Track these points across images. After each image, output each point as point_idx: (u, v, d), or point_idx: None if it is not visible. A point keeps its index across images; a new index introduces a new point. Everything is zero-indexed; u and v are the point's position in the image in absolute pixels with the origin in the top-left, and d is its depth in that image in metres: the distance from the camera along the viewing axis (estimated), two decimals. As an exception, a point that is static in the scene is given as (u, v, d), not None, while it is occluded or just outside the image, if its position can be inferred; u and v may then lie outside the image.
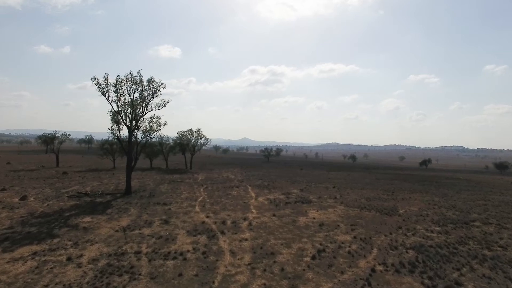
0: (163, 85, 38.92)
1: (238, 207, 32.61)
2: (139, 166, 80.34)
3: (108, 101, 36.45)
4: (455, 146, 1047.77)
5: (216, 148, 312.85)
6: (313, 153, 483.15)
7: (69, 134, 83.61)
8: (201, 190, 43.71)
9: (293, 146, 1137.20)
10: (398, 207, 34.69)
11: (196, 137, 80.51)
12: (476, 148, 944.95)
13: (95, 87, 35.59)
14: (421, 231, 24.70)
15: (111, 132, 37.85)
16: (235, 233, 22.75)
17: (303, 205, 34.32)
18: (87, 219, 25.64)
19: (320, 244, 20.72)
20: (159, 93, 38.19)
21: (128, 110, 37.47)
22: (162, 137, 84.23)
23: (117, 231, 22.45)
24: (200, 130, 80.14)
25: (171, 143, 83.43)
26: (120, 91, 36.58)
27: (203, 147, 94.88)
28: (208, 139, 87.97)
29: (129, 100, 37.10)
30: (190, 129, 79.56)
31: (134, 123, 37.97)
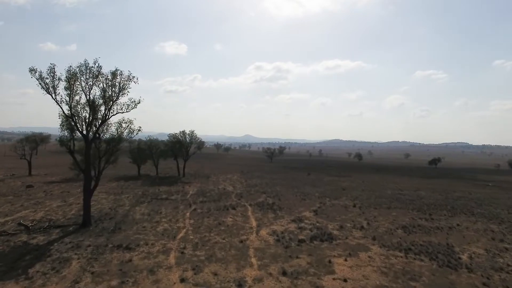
0: (135, 80, 29.17)
1: (232, 251, 22.96)
2: (125, 174, 70.87)
3: (56, 101, 26.76)
4: (459, 142, 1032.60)
5: (218, 146, 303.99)
6: (317, 150, 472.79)
7: (48, 135, 74.04)
8: (188, 214, 34.07)
9: (296, 142, 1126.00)
10: (455, 247, 24.92)
11: (190, 139, 70.68)
12: (481, 144, 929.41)
13: (36, 82, 25.88)
14: (531, 317, 14.96)
15: (60, 143, 28.19)
16: (221, 333, 13.13)
17: (323, 246, 24.61)
18: (-14, 293, 16.10)
19: None
20: (126, 91, 28.45)
21: (85, 114, 27.84)
22: (151, 140, 74.99)
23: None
24: (194, 132, 70.36)
25: (161, 147, 73.49)
26: (73, 87, 26.90)
27: (199, 150, 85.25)
28: (203, 142, 78.41)
29: (86, 99, 27.44)
30: (183, 131, 69.74)
31: (93, 129, 28.35)
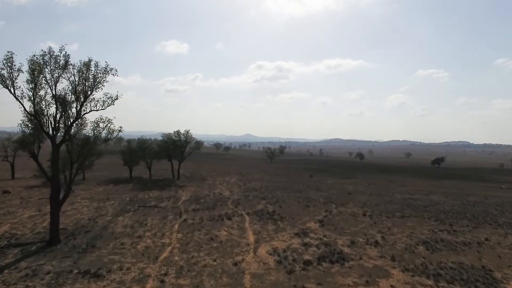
0: (113, 72, 24.94)
1: (224, 279, 18.74)
2: (117, 177, 66.66)
3: (15, 96, 22.54)
4: (460, 141, 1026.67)
5: (217, 145, 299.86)
6: (317, 149, 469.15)
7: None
8: (176, 226, 29.85)
9: (296, 142, 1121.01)
10: (494, 272, 20.64)
11: (185, 140, 66.42)
12: (482, 143, 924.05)
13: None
14: None
15: (21, 146, 24.02)
16: None
17: (333, 270, 20.38)
18: None
19: None
20: (101, 85, 24.22)
21: (52, 111, 23.65)
22: (144, 141, 70.83)
23: None
24: (189, 131, 66.14)
25: (155, 148, 69.18)
26: (37, 80, 22.67)
27: (198, 150, 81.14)
28: (201, 142, 74.21)
29: (51, 94, 23.23)
30: (177, 131, 65.50)
31: (62, 130, 24.15)
